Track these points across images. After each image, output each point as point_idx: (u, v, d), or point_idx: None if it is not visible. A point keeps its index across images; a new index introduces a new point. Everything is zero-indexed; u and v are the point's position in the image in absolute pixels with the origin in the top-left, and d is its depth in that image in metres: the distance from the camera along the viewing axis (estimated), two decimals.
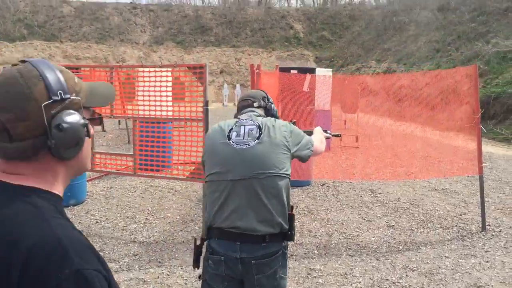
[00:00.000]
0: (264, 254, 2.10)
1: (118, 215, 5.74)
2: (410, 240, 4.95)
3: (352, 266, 4.30)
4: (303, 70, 6.90)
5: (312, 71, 7.01)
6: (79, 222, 5.39)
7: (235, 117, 2.44)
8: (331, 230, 5.27)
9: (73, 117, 0.97)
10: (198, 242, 2.27)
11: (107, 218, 5.59)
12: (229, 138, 2.24)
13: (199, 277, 2.23)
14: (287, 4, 47.51)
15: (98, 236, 4.98)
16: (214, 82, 31.07)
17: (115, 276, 3.86)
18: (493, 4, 22.05)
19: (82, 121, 1.00)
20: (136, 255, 4.48)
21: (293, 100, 6.25)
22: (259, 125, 2.29)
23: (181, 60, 31.13)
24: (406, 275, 4.09)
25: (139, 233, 5.10)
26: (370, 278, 4.04)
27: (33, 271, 0.84)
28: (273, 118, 2.41)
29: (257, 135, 2.25)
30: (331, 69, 14.20)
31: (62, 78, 0.98)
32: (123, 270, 4.18)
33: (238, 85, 29.12)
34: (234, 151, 2.19)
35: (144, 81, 5.37)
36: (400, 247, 4.77)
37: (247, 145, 2.21)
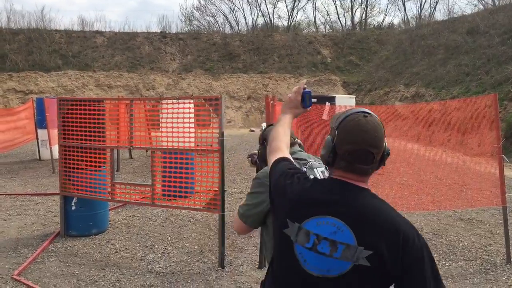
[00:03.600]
0: None
1: (138, 244, 5.80)
2: None
3: None
4: (322, 99, 6.90)
5: (331, 99, 7.00)
6: (99, 252, 5.48)
7: None
8: None
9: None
10: None
11: (126, 248, 5.66)
12: None
13: None
14: (315, 29, 47.76)
15: (116, 266, 5.03)
16: (242, 108, 31.34)
17: None
18: None
19: None
20: (152, 286, 4.50)
21: (310, 129, 6.25)
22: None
23: (209, 86, 31.61)
24: None
25: (157, 263, 5.13)
26: None
27: (409, 244, 1.46)
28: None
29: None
30: (354, 96, 14.13)
31: None
32: None
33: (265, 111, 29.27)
34: None
35: (167, 112, 5.48)
36: None
37: None
